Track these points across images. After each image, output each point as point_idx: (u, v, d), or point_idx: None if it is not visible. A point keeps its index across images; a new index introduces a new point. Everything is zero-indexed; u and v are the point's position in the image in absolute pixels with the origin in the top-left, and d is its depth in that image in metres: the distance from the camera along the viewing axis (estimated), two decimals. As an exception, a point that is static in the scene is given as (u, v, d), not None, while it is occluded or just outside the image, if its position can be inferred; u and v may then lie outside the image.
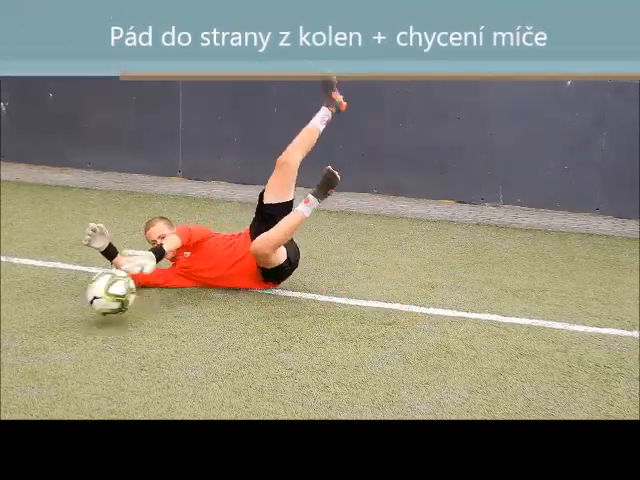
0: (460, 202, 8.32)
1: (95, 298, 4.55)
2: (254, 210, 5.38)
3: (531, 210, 8.07)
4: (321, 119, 5.38)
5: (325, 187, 5.06)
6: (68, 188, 8.49)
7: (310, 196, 5.04)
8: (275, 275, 5.18)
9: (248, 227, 5.31)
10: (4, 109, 9.60)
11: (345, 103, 5.36)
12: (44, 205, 7.66)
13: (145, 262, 4.75)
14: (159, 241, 5.12)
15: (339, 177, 5.06)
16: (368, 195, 8.53)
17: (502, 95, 8.09)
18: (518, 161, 8.13)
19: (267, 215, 5.21)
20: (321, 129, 5.38)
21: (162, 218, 5.36)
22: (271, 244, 4.97)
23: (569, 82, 7.87)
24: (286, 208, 5.20)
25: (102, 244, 5.00)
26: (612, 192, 7.88)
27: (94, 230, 4.96)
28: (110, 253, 5.04)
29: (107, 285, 4.53)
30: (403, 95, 8.38)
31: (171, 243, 5.01)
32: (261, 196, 5.31)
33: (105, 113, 9.30)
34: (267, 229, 5.07)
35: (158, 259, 4.90)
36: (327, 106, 5.39)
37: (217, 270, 5.17)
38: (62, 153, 9.50)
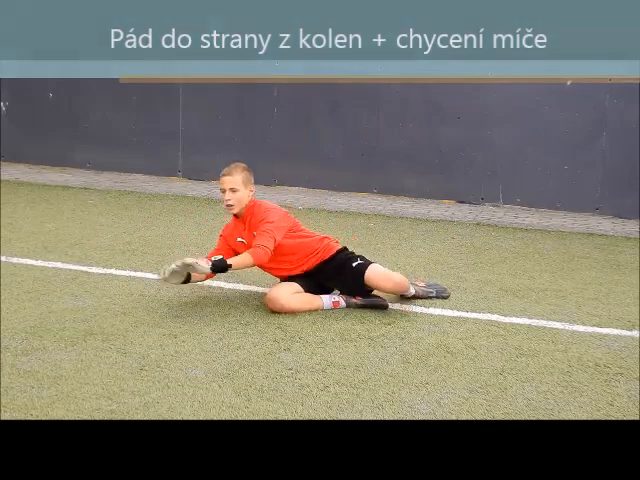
0: (460, 202, 8.33)
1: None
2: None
3: (531, 210, 8.07)
4: (330, 298, 5.02)
5: (365, 306, 4.98)
6: (68, 188, 8.50)
7: (342, 302, 4.97)
8: None
9: (334, 248, 5.07)
10: (4, 109, 9.60)
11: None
12: (44, 205, 7.66)
13: (199, 271, 4.63)
14: (228, 195, 4.85)
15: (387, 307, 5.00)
16: (368, 195, 8.54)
17: (502, 95, 8.09)
18: (518, 161, 8.14)
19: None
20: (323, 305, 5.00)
21: (245, 169, 4.96)
22: (286, 308, 4.84)
23: (569, 82, 7.88)
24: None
25: (177, 282, 4.71)
26: (612, 192, 7.89)
27: (179, 267, 4.61)
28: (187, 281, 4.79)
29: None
30: (403, 95, 8.38)
31: (239, 263, 4.77)
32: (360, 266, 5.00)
33: (105, 113, 9.30)
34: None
35: (218, 271, 4.71)
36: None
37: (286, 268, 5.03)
38: (62, 153, 9.50)
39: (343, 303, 4.97)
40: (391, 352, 4.31)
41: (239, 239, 4.99)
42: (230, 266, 4.70)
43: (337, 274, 4.98)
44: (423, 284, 5.24)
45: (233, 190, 4.87)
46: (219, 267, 4.66)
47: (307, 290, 4.96)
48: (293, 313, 4.81)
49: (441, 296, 5.20)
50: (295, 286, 4.93)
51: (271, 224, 4.84)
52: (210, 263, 4.65)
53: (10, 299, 4.90)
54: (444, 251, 6.52)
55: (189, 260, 4.60)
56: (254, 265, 4.85)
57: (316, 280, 5.00)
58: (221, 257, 4.73)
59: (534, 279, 5.77)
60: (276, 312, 4.81)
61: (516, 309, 5.07)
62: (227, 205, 4.91)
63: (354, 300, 4.97)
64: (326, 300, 4.96)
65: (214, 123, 8.97)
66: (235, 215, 4.99)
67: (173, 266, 4.58)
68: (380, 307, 4.96)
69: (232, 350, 4.26)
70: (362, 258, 5.04)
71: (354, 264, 4.96)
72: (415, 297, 5.13)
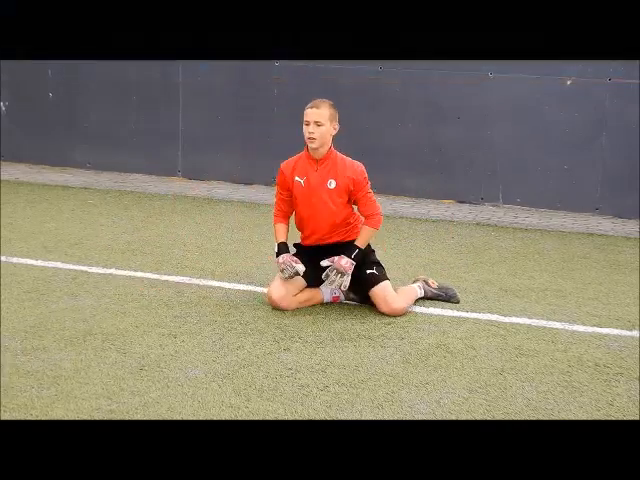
0: (460, 202, 8.32)
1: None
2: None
3: (531, 210, 8.07)
4: (331, 292, 5.06)
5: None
6: (68, 188, 8.49)
7: (342, 297, 5.03)
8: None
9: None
10: (4, 109, 9.60)
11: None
12: (44, 205, 7.66)
13: (342, 271, 4.79)
14: (310, 128, 4.77)
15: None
16: (368, 195, 8.53)
17: (502, 95, 8.09)
18: (518, 161, 8.14)
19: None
20: (324, 298, 5.07)
21: (333, 106, 4.87)
22: (289, 310, 4.87)
23: (569, 82, 7.88)
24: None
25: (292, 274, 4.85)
26: (612, 192, 7.89)
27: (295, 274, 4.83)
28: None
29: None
30: (403, 95, 8.38)
31: (366, 239, 4.89)
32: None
33: (105, 113, 9.30)
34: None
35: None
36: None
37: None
38: (62, 153, 9.50)
39: (342, 298, 5.02)
40: (391, 352, 4.31)
41: (297, 178, 4.91)
42: (360, 249, 4.83)
43: None
44: (435, 285, 5.21)
45: (318, 124, 4.77)
46: (359, 258, 4.82)
47: (309, 279, 4.91)
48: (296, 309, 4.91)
49: (450, 300, 5.15)
50: (298, 283, 4.91)
51: (367, 184, 4.93)
52: (345, 259, 4.77)
53: (10, 299, 4.90)
54: (444, 251, 6.52)
55: (299, 268, 4.81)
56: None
57: (316, 264, 4.87)
58: (352, 249, 4.80)
59: (534, 279, 5.77)
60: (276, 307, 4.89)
61: (516, 309, 5.07)
62: (309, 138, 4.80)
63: (353, 295, 5.03)
64: (327, 295, 5.00)
65: (214, 123, 8.96)
66: (308, 153, 4.91)
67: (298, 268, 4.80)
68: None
69: (232, 350, 4.26)
70: (379, 267, 4.97)
71: (368, 271, 4.91)
72: (423, 298, 5.13)
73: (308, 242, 5.01)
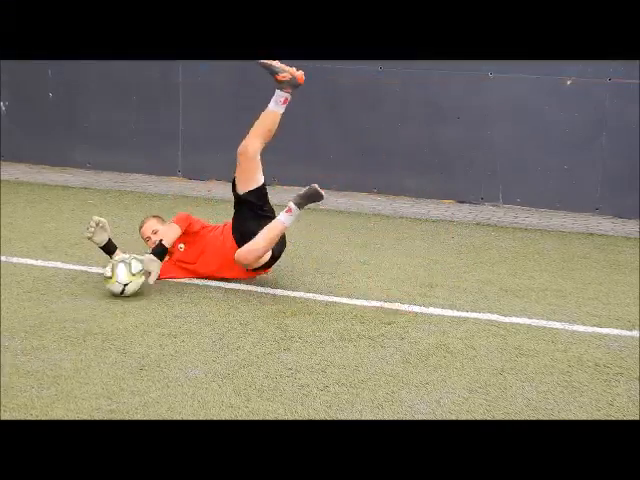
0: (460, 202, 8.33)
1: (125, 286, 4.90)
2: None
3: (531, 210, 8.07)
4: (275, 102, 5.34)
5: (308, 201, 5.08)
6: (68, 188, 8.50)
7: (292, 205, 5.07)
8: (259, 268, 5.30)
9: (231, 220, 5.37)
10: (4, 109, 9.60)
11: (299, 73, 5.25)
12: (44, 205, 7.66)
13: (150, 269, 5.04)
14: (153, 237, 5.28)
15: (323, 196, 5.08)
16: (368, 195, 8.54)
17: (502, 95, 8.09)
18: (518, 161, 8.14)
19: (244, 203, 5.29)
20: (279, 111, 5.36)
21: (154, 216, 5.49)
22: (253, 255, 5.09)
23: (569, 82, 7.88)
24: (259, 193, 5.31)
25: (103, 238, 5.25)
26: (612, 192, 7.89)
27: (97, 224, 5.17)
28: (109, 248, 5.29)
29: (128, 269, 4.91)
30: (403, 95, 8.38)
31: (170, 235, 5.17)
32: (234, 188, 5.37)
33: (105, 113, 9.30)
34: (247, 218, 5.19)
35: (161, 258, 5.10)
36: (279, 89, 5.31)
37: (208, 264, 5.32)
38: (62, 153, 9.50)
39: (293, 205, 5.05)
40: (391, 352, 4.31)
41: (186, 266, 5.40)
42: (165, 248, 5.13)
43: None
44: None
45: (155, 232, 5.31)
46: (159, 252, 5.10)
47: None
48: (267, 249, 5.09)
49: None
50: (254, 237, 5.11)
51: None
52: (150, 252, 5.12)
53: (10, 299, 4.90)
54: (444, 251, 6.52)
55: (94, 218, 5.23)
56: (182, 229, 5.20)
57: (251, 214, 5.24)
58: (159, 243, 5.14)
59: (534, 279, 5.78)
60: (254, 266, 5.15)
61: (516, 309, 5.07)
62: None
63: (295, 197, 5.08)
64: (282, 217, 5.08)
65: (214, 123, 8.96)
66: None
67: (95, 218, 5.18)
68: (317, 194, 5.07)
69: (232, 350, 4.26)
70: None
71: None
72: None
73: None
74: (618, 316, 5.00)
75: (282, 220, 5.08)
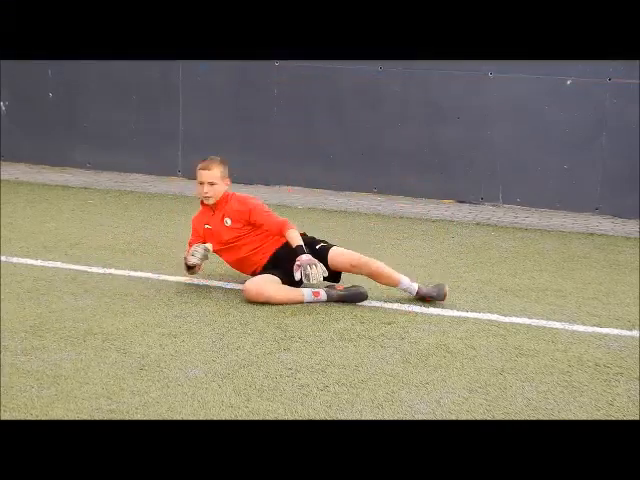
0: (460, 202, 8.33)
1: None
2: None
3: (531, 210, 8.07)
4: (309, 294, 5.05)
5: (343, 300, 5.04)
6: (68, 188, 8.50)
7: (323, 293, 5.02)
8: None
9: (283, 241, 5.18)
10: (4, 109, 9.60)
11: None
12: (44, 205, 7.66)
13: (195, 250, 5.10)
14: (205, 188, 5.18)
15: (365, 297, 5.07)
16: (368, 195, 8.54)
17: (502, 95, 8.09)
18: (518, 161, 8.14)
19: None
20: (305, 299, 5.05)
21: (222, 162, 5.30)
22: (263, 297, 4.95)
23: (569, 82, 7.88)
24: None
25: (196, 262, 5.16)
26: (612, 192, 7.89)
27: (205, 255, 5.15)
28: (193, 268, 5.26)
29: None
30: (403, 95, 8.38)
31: (298, 238, 5.03)
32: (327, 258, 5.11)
33: (105, 113, 9.31)
34: (290, 272, 4.97)
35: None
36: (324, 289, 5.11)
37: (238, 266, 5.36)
38: (62, 153, 9.51)
39: (323, 293, 5.01)
40: (391, 352, 4.31)
41: (206, 226, 5.30)
42: (300, 245, 5.01)
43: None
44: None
45: (211, 184, 5.19)
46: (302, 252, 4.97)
47: (284, 282, 5.06)
48: (276, 304, 4.92)
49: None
50: (274, 278, 5.04)
51: (262, 207, 5.24)
52: (301, 256, 4.92)
53: (10, 299, 4.90)
54: (444, 251, 6.52)
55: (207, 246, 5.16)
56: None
57: (283, 269, 5.05)
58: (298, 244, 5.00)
59: (534, 279, 5.78)
60: (256, 302, 4.94)
61: (516, 309, 5.07)
62: (205, 197, 5.24)
63: (335, 291, 5.03)
64: (306, 291, 5.01)
65: (214, 123, 8.97)
66: (204, 204, 5.33)
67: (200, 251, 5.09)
68: (360, 297, 5.02)
69: (232, 350, 4.26)
70: (324, 242, 5.23)
71: (318, 246, 5.14)
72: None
73: (250, 271, 5.28)
74: (618, 316, 5.00)
75: (304, 295, 5.00)
